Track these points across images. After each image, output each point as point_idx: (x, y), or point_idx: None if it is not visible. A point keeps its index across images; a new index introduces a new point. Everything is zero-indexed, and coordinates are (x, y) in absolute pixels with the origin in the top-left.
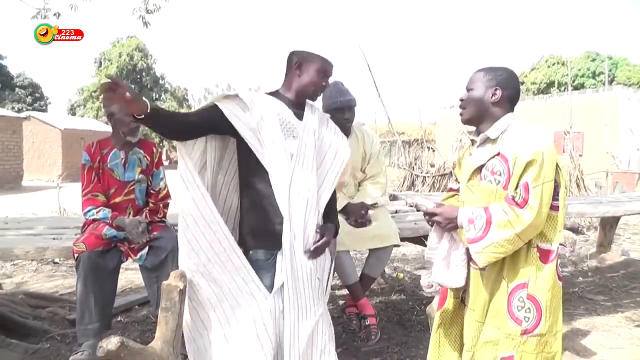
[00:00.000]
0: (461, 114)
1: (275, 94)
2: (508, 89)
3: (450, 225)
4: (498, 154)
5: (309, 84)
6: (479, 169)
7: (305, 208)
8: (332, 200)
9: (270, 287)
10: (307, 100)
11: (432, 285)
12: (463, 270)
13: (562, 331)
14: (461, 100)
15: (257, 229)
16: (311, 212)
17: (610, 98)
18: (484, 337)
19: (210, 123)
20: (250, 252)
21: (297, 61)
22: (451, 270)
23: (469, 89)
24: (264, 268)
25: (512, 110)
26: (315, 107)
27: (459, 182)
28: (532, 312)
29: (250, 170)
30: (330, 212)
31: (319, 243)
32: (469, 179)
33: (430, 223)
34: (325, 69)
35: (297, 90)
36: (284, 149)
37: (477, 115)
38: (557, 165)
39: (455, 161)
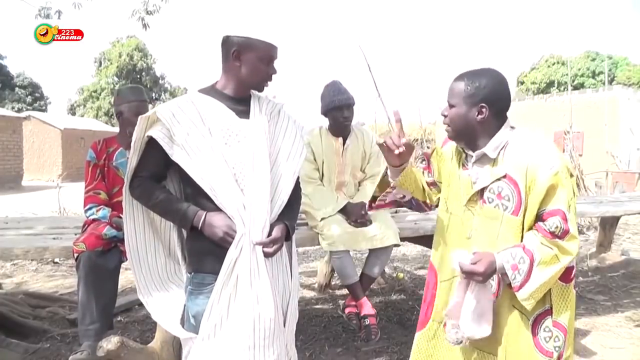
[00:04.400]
0: (447, 131)
1: (210, 90)
2: (495, 104)
3: (488, 278)
4: (505, 177)
5: (253, 75)
6: (481, 190)
7: (262, 224)
8: (290, 201)
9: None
10: (253, 92)
11: (461, 341)
12: (491, 315)
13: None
14: (444, 116)
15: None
16: (266, 228)
17: (610, 98)
18: None
19: (165, 161)
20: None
21: (234, 50)
22: (482, 321)
23: (450, 104)
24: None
25: (504, 119)
26: (263, 99)
27: (429, 173)
28: (561, 339)
29: (194, 195)
30: (284, 212)
31: (266, 240)
32: (469, 199)
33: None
34: (269, 55)
35: (239, 83)
36: (224, 162)
37: (465, 135)
38: (570, 172)
39: (430, 152)
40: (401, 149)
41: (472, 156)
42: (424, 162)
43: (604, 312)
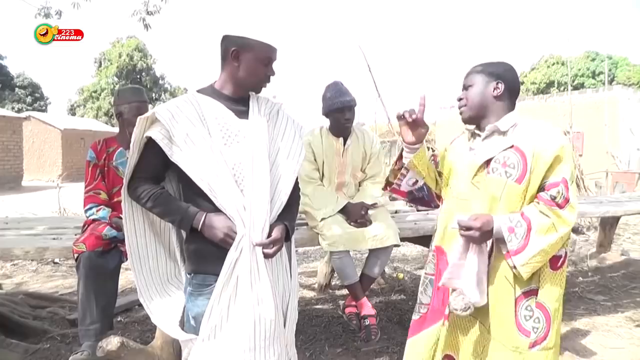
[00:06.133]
0: (461, 113)
1: (209, 90)
2: (509, 82)
3: (486, 237)
4: (512, 147)
5: (251, 75)
6: (487, 162)
7: (263, 225)
8: (289, 202)
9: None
10: (251, 93)
11: (468, 307)
12: (485, 284)
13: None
14: (460, 99)
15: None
16: (265, 228)
17: (610, 98)
18: (495, 356)
19: (165, 162)
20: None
21: (233, 50)
22: (480, 286)
23: (467, 86)
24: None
25: (514, 107)
26: (262, 99)
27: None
28: (542, 322)
29: (193, 196)
30: (284, 212)
31: (266, 241)
32: (474, 174)
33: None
34: (268, 56)
35: (236, 84)
36: (224, 163)
37: (480, 112)
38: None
39: (438, 152)
40: (414, 116)
41: (480, 135)
42: (432, 158)
43: (604, 312)
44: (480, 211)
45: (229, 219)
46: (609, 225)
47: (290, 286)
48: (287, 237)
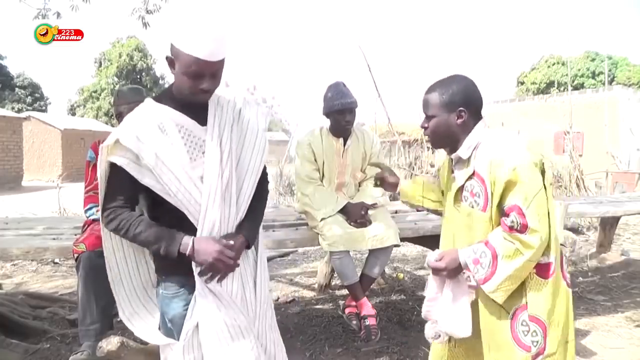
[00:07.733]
0: (429, 142)
1: (168, 98)
2: (471, 105)
3: (456, 273)
4: (474, 174)
5: (180, 87)
6: (460, 189)
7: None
8: (252, 206)
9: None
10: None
11: (439, 336)
12: (469, 315)
13: (574, 339)
14: (424, 127)
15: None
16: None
17: (610, 98)
18: None
19: (135, 184)
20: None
21: (167, 56)
22: (460, 318)
23: (428, 115)
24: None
25: (480, 118)
26: (223, 98)
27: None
28: (539, 334)
29: (164, 213)
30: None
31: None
32: (454, 200)
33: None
34: (193, 70)
35: (179, 92)
36: (192, 179)
37: (447, 143)
38: (542, 167)
39: (438, 167)
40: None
41: (453, 160)
42: (436, 177)
43: (604, 312)
44: (461, 236)
45: (212, 240)
46: (609, 225)
47: (261, 291)
48: (248, 245)
